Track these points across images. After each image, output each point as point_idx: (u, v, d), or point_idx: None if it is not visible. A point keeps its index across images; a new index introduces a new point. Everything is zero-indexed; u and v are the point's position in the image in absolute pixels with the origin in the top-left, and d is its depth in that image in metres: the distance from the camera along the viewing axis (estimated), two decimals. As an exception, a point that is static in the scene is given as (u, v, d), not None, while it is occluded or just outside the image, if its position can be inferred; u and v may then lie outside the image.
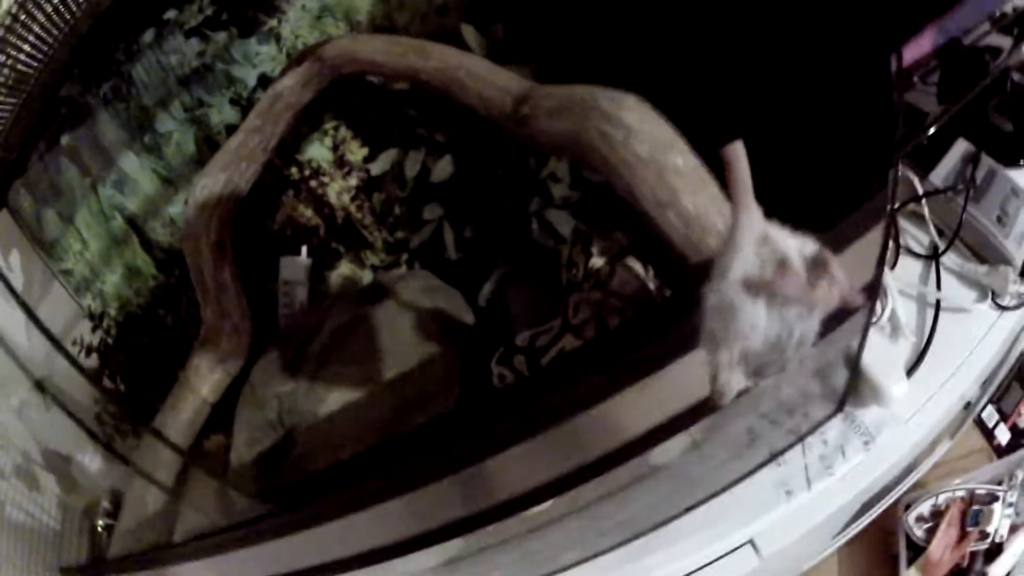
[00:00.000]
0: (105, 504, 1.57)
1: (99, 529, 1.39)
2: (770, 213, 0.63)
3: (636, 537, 1.09)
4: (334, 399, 1.07)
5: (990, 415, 1.44)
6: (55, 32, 1.40)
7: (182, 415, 1.22)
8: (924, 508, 1.39)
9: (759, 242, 0.59)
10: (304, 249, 1.28)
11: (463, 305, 1.14)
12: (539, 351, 0.96)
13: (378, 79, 1.20)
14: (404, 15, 1.21)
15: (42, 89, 1.53)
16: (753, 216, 0.60)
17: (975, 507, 1.38)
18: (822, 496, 1.12)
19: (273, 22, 1.26)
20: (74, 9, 1.38)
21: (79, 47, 1.45)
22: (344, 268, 1.29)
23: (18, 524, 1.29)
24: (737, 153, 0.61)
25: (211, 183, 1.12)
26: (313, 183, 1.25)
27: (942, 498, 1.39)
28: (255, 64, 1.28)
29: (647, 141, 0.78)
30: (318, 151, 1.26)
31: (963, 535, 1.37)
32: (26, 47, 1.42)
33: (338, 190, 1.24)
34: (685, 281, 0.82)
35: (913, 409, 1.12)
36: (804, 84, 0.94)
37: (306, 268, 1.28)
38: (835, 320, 0.90)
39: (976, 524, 1.36)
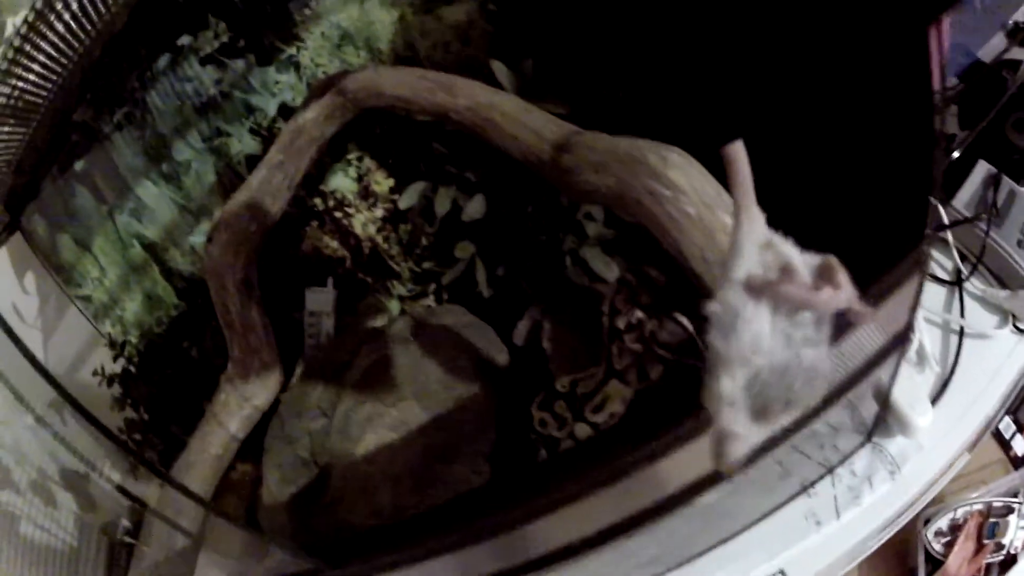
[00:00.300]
0: (124, 522, 1.54)
1: (118, 547, 1.36)
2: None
3: (670, 570, 1.08)
4: (369, 440, 1.04)
5: (1007, 426, 1.43)
6: (64, 59, 1.33)
7: (210, 450, 1.18)
8: (943, 522, 1.38)
9: (762, 247, 0.55)
10: (330, 280, 1.24)
11: (497, 343, 1.10)
12: (581, 398, 0.93)
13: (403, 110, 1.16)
14: (426, 43, 1.15)
15: (54, 114, 1.47)
16: (755, 220, 0.56)
17: (992, 519, 1.38)
18: (850, 525, 1.11)
19: (292, 50, 1.20)
20: (84, 34, 1.32)
21: (91, 72, 1.39)
22: (371, 299, 1.25)
23: (33, 540, 1.26)
24: (738, 153, 0.58)
25: (235, 220, 1.07)
26: (338, 214, 1.20)
27: (960, 512, 1.38)
28: (274, 93, 1.22)
29: (695, 200, 0.78)
30: (342, 182, 1.21)
31: (979, 548, 1.36)
32: (33, 73, 1.35)
33: (363, 221, 1.19)
34: None
35: (937, 437, 1.11)
36: (842, 115, 0.91)
37: (332, 299, 1.24)
38: (871, 358, 0.89)
39: (992, 536, 1.36)
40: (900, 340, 0.92)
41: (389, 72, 1.06)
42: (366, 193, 1.19)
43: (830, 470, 1.14)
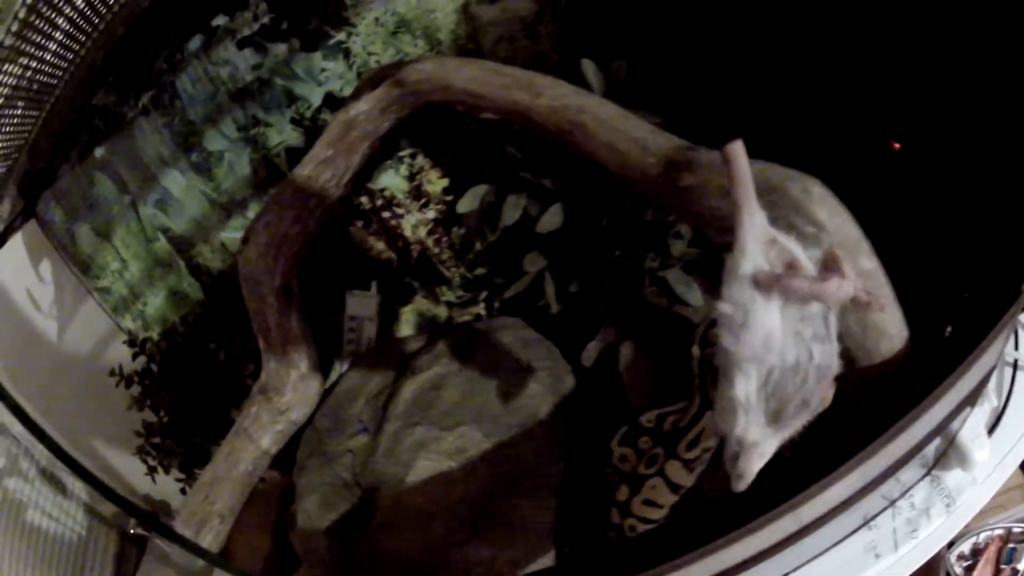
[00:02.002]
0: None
1: (129, 538, 1.13)
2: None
3: (733, 606, 0.90)
4: (423, 467, 0.82)
5: (1027, 453, 1.29)
6: (84, 36, 1.06)
7: (239, 466, 0.95)
8: (966, 546, 1.24)
9: (767, 244, 0.50)
10: (374, 284, 1.02)
11: (563, 363, 0.89)
12: (669, 434, 0.73)
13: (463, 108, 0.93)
14: (491, 36, 0.93)
15: (73, 96, 1.19)
16: (757, 217, 0.51)
17: (1010, 545, 1.24)
18: (905, 558, 0.96)
19: (341, 36, 0.96)
20: (106, 11, 1.06)
21: (114, 52, 1.13)
22: (417, 304, 1.03)
23: (41, 529, 1.02)
24: (737, 152, 0.52)
25: (276, 220, 0.84)
26: (386, 214, 0.98)
27: (982, 536, 1.24)
28: (320, 81, 0.98)
29: (836, 240, 0.62)
30: (392, 180, 0.98)
31: (997, 572, 1.22)
32: (51, 47, 1.08)
33: (414, 223, 0.97)
34: (849, 383, 0.63)
35: (989, 469, 0.96)
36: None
37: (376, 303, 1.02)
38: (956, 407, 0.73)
39: (1010, 561, 1.22)
40: (986, 382, 0.77)
41: (457, 64, 0.83)
42: (418, 193, 0.97)
43: (892, 503, 0.98)
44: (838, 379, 0.54)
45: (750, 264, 0.49)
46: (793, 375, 0.48)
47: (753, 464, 0.49)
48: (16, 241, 1.28)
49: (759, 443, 0.49)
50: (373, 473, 0.88)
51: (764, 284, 0.48)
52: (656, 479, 0.71)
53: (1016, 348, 1.01)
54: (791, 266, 0.49)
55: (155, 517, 1.29)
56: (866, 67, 0.82)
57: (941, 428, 0.78)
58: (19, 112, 1.12)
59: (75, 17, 1.05)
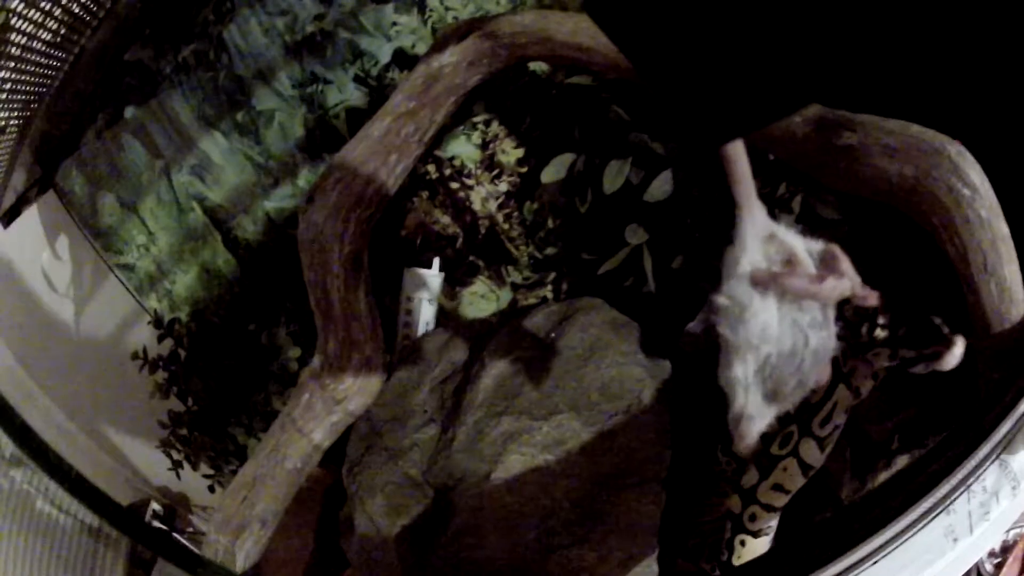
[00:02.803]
0: (155, 506, 1.14)
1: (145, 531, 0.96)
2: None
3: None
4: (512, 462, 0.69)
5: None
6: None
7: (286, 463, 0.80)
8: (996, 543, 1.16)
9: (766, 240, 0.49)
10: (436, 261, 0.88)
11: (661, 345, 0.75)
12: (801, 411, 0.62)
13: (543, 70, 0.80)
14: (577, -3, 0.81)
15: (99, 49, 1.04)
16: (757, 214, 0.50)
17: None
18: (978, 540, 0.90)
19: (416, -14, 0.85)
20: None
21: (150, 2, 0.98)
22: (479, 285, 0.90)
23: (50, 519, 0.86)
24: (737, 152, 0.50)
25: (349, 178, 0.70)
26: (454, 185, 0.85)
27: (1011, 534, 1.17)
28: (390, 37, 0.86)
29: (987, 204, 0.59)
30: (464, 148, 0.86)
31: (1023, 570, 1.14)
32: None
33: (484, 195, 0.84)
34: (981, 348, 0.61)
35: None
36: None
37: (439, 283, 0.89)
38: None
39: None
40: None
41: (559, 16, 0.72)
42: (490, 163, 0.84)
43: (968, 487, 0.92)
44: (970, 348, 0.53)
45: (748, 261, 0.49)
46: (790, 360, 0.48)
47: (754, 430, 0.50)
48: (31, 214, 1.12)
49: (758, 414, 0.50)
50: (448, 470, 0.74)
51: (761, 282, 0.48)
52: (789, 460, 0.63)
53: None
54: (790, 263, 0.49)
55: (172, 511, 1.12)
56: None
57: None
58: (34, 65, 0.96)
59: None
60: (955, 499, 0.90)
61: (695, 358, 0.79)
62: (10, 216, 1.12)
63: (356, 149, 0.74)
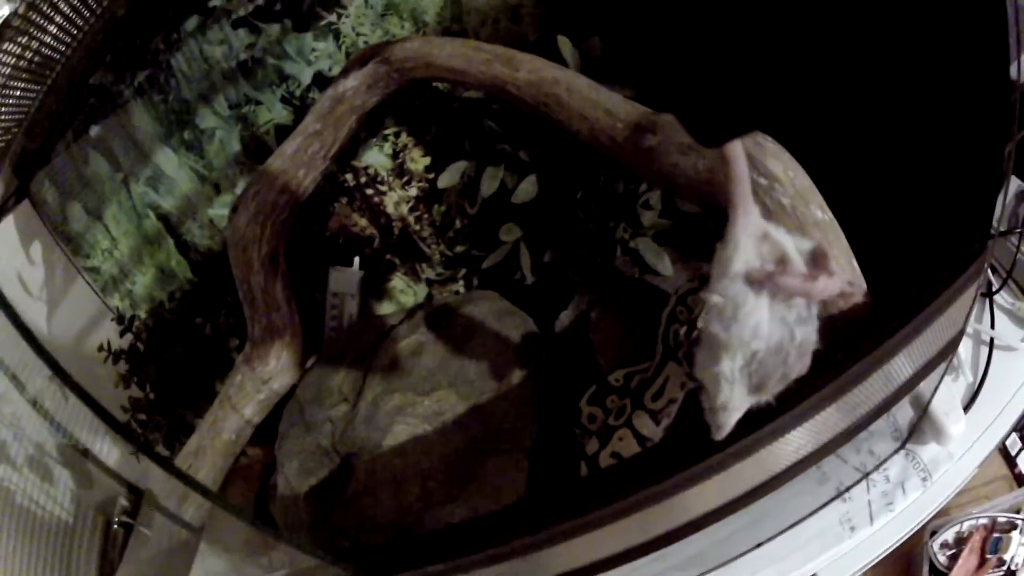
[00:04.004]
0: (123, 501, 1.33)
1: (114, 526, 1.14)
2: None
3: (708, 572, 0.93)
4: (400, 431, 0.86)
5: (1013, 442, 1.31)
6: (86, 14, 1.12)
7: (223, 435, 0.98)
8: (948, 535, 1.25)
9: (759, 239, 0.53)
10: (356, 260, 1.06)
11: (537, 332, 0.93)
12: (636, 388, 0.76)
13: (445, 86, 0.97)
14: (475, 18, 0.98)
15: (70, 75, 1.24)
16: (751, 214, 0.54)
17: (995, 535, 1.26)
18: (882, 531, 0.98)
19: (332, 17, 1.01)
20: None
21: (113, 32, 1.18)
22: (397, 281, 1.07)
23: (29, 515, 1.04)
24: (736, 152, 0.55)
25: (265, 189, 0.88)
26: (369, 191, 1.02)
27: (966, 525, 1.26)
28: (310, 61, 1.03)
29: (790, 192, 0.67)
30: (376, 157, 1.03)
31: (982, 562, 1.24)
32: (52, 29, 1.12)
33: (396, 200, 1.01)
34: None
35: (966, 445, 0.98)
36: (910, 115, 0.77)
37: (358, 280, 1.06)
38: (923, 364, 0.75)
39: (995, 551, 1.23)
40: (952, 347, 0.79)
41: (440, 42, 0.88)
42: (401, 171, 1.01)
43: (866, 475, 1.00)
44: None
45: (742, 261, 0.52)
46: (776, 355, 0.52)
47: (732, 419, 0.54)
48: (7, 223, 1.32)
49: (739, 408, 0.54)
50: (351, 439, 0.92)
51: (756, 281, 0.51)
52: (624, 430, 0.76)
53: (992, 327, 1.05)
54: (782, 262, 0.52)
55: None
56: (835, 43, 0.86)
57: (908, 388, 0.80)
58: (19, 91, 1.17)
59: None
60: (851, 487, 0.99)
61: (566, 342, 0.95)
62: (-10, 225, 1.33)
63: (272, 165, 0.91)
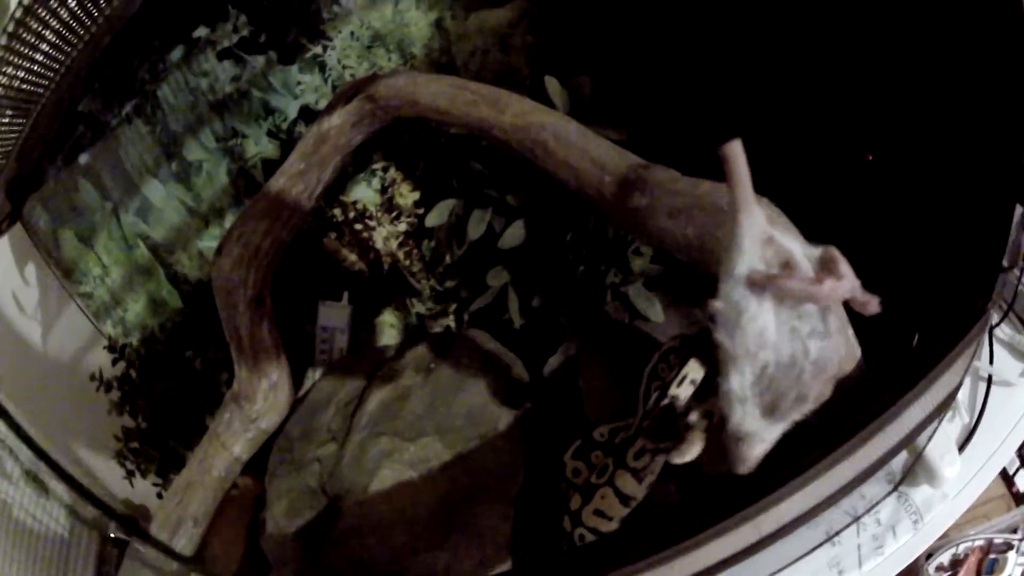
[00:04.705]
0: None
1: (109, 543, 1.17)
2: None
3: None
4: (385, 476, 0.87)
5: (1011, 462, 1.30)
6: (70, 46, 1.12)
7: (212, 472, 0.99)
8: (944, 557, 1.25)
9: (763, 244, 0.52)
10: (345, 295, 1.06)
11: (525, 378, 0.93)
12: (620, 446, 0.76)
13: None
14: (463, 50, 0.97)
15: (59, 103, 1.24)
16: (755, 217, 0.52)
17: (991, 556, 1.25)
18: (870, 575, 0.98)
19: (317, 49, 1.01)
20: (92, 20, 1.10)
21: (99, 61, 1.18)
22: (387, 315, 1.08)
23: (25, 528, 1.07)
24: (736, 152, 0.52)
25: (249, 232, 0.89)
26: (358, 226, 1.02)
27: (962, 547, 1.26)
28: (296, 94, 1.03)
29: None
30: (365, 193, 1.03)
31: None
32: (39, 57, 1.13)
33: (385, 235, 1.01)
34: None
35: (960, 485, 0.98)
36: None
37: (347, 315, 1.07)
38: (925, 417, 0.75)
39: (991, 572, 1.23)
40: (949, 399, 0.79)
41: (426, 79, 0.88)
42: (389, 206, 1.01)
43: (856, 519, 1.00)
44: None
45: (745, 264, 0.51)
46: (789, 370, 0.50)
47: (754, 450, 0.52)
48: (2, 244, 1.34)
49: (757, 432, 0.52)
50: (339, 481, 0.93)
51: (758, 284, 0.50)
52: (606, 488, 0.74)
53: (991, 363, 1.03)
54: (787, 266, 0.51)
55: (134, 520, 1.34)
56: (832, 83, 0.85)
57: (905, 443, 0.80)
58: (7, 118, 1.18)
59: (63, 25, 1.11)
60: (841, 531, 0.99)
61: (554, 388, 0.95)
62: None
63: (256, 206, 0.91)
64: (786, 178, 0.73)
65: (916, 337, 0.77)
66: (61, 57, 1.16)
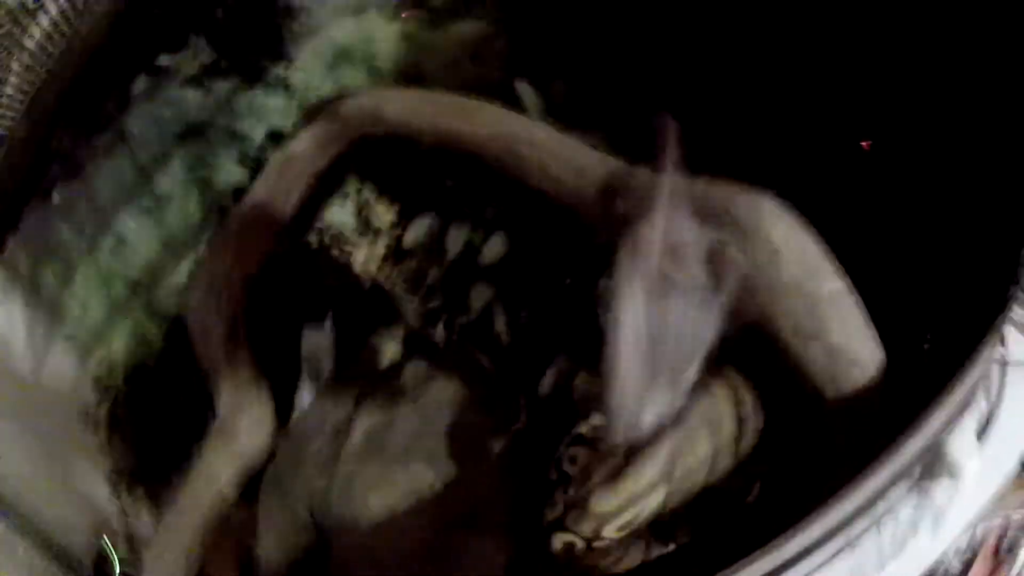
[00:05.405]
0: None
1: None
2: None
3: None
4: (375, 507, 0.84)
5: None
6: (34, 79, 1.11)
7: (199, 509, 0.97)
8: (962, 540, 1.23)
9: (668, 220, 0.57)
10: (328, 319, 1.03)
11: (516, 399, 0.89)
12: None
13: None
14: (433, 62, 0.94)
15: (27, 139, 1.24)
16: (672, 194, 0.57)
17: (1009, 536, 1.22)
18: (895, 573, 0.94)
19: (280, 69, 0.99)
20: (56, 52, 1.09)
21: (66, 94, 1.16)
22: (374, 337, 1.04)
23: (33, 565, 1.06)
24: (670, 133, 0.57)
25: (215, 265, 0.87)
26: (335, 251, 1.00)
27: (979, 528, 1.23)
28: (261, 118, 1.01)
29: (795, 264, 0.62)
30: (338, 216, 1.01)
31: (996, 564, 1.21)
32: (5, 94, 1.12)
33: (364, 258, 0.99)
34: (812, 416, 0.62)
35: (981, 474, 0.94)
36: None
37: (330, 340, 1.04)
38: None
39: (1010, 551, 1.20)
40: (972, 394, 0.76)
41: (392, 95, 0.86)
42: (366, 227, 0.98)
43: (875, 521, 0.97)
44: (807, 418, 0.60)
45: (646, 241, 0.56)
46: (665, 341, 0.54)
47: (630, 417, 0.56)
48: None
49: (636, 405, 0.56)
50: (329, 512, 0.90)
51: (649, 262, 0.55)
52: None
53: (1003, 344, 0.99)
54: (675, 248, 0.56)
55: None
56: (822, 75, 0.82)
57: (930, 448, 0.77)
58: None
59: (28, 60, 1.10)
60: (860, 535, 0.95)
61: (549, 407, 0.91)
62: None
63: (220, 239, 0.90)
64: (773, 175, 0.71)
65: (933, 336, 0.73)
66: (26, 88, 1.15)
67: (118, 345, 1.20)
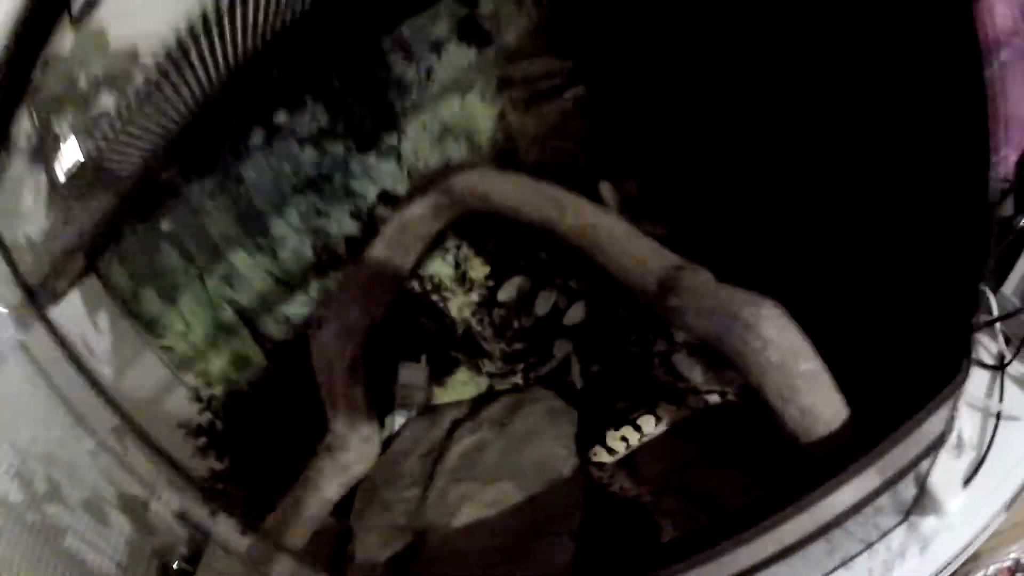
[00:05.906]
0: (182, 549, 1.84)
1: (173, 568, 1.65)
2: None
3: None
4: (465, 514, 1.32)
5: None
6: (160, 128, 1.59)
7: (305, 512, 1.47)
8: None
9: None
10: (423, 357, 1.49)
11: (586, 430, 1.36)
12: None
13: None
14: (524, 140, 1.43)
15: (140, 176, 1.73)
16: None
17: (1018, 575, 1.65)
18: None
19: (392, 140, 1.44)
20: (184, 105, 1.59)
21: (179, 138, 1.65)
22: (461, 374, 1.50)
23: (77, 556, 1.47)
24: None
25: (344, 311, 1.34)
26: (434, 297, 1.47)
27: (991, 569, 1.65)
28: (374, 179, 1.46)
29: (780, 350, 1.03)
30: (440, 267, 1.44)
31: None
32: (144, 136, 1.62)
33: (459, 305, 1.45)
34: (794, 455, 1.09)
35: (965, 516, 1.33)
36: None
37: (425, 375, 1.49)
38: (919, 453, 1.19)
39: None
40: (940, 440, 1.21)
41: (497, 178, 1.29)
42: (463, 279, 1.47)
43: (869, 546, 1.42)
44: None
45: None
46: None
47: None
48: (74, 294, 1.84)
49: None
50: (423, 520, 1.38)
51: None
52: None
53: (1001, 400, 1.36)
54: None
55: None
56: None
57: (889, 484, 1.20)
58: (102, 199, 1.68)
59: (160, 103, 1.59)
60: (855, 556, 1.40)
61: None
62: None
63: (348, 289, 1.37)
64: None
65: (895, 394, 1.13)
66: (156, 134, 1.66)
67: (221, 362, 1.68)
